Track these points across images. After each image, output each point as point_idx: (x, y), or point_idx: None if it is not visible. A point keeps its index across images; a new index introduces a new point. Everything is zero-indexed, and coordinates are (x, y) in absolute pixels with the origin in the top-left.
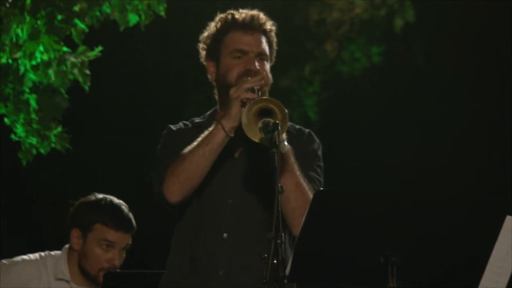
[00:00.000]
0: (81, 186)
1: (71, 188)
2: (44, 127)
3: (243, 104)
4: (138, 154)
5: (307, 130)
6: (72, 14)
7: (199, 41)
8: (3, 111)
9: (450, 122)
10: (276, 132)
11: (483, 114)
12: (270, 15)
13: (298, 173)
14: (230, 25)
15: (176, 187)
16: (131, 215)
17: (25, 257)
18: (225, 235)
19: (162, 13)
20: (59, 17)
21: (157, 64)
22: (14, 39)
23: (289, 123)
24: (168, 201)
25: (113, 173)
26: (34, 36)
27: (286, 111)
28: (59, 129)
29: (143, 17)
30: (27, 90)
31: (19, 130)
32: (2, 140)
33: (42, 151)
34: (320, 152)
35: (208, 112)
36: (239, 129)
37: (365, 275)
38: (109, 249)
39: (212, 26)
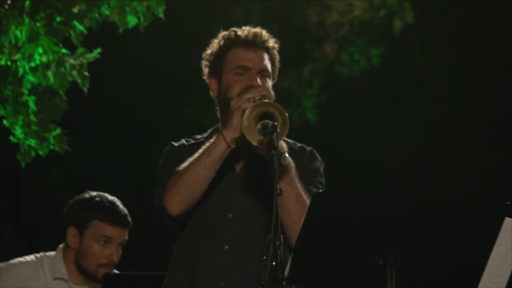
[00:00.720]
0: (80, 188)
1: (70, 189)
2: (43, 129)
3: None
4: (137, 156)
5: (309, 148)
6: (71, 16)
7: (202, 54)
8: (2, 113)
9: (449, 122)
10: (274, 134)
11: (483, 115)
12: (270, 16)
13: (299, 185)
14: (233, 42)
15: (177, 199)
16: (126, 211)
17: (21, 259)
18: (226, 247)
19: (161, 15)
20: (58, 19)
21: (156, 66)
22: (13, 41)
23: (291, 141)
24: (169, 213)
25: (112, 175)
26: (33, 38)
27: (287, 115)
28: (58, 131)
29: (142, 19)
30: (26, 92)
31: (18, 132)
32: (1, 142)
33: (41, 153)
34: (322, 170)
35: (210, 130)
36: (240, 142)
37: (364, 277)
38: (107, 245)
39: (214, 43)
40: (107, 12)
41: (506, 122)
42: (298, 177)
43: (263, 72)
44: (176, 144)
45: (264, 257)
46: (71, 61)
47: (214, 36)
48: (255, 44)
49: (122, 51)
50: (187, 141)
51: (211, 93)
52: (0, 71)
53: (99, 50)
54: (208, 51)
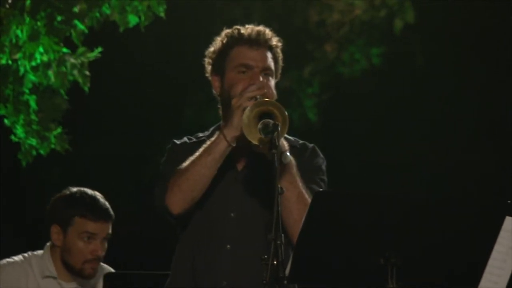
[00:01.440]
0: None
1: None
2: (44, 128)
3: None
4: (138, 155)
5: (311, 145)
6: (72, 15)
7: (203, 54)
8: (3, 112)
9: (450, 122)
10: (275, 133)
11: (484, 114)
12: (270, 16)
13: (300, 184)
14: (236, 40)
15: (178, 197)
16: (107, 204)
17: (9, 259)
18: (228, 246)
19: (162, 14)
20: (59, 18)
21: (157, 65)
22: (14, 40)
23: (292, 138)
24: (170, 212)
25: (112, 174)
26: (34, 37)
27: (287, 114)
28: (59, 130)
29: (142, 18)
30: (27, 91)
31: (19, 131)
32: (2, 141)
33: (41, 152)
34: (324, 167)
35: (212, 128)
36: (241, 141)
37: (364, 276)
38: (90, 240)
39: (217, 41)
40: (108, 12)
41: (507, 122)
42: (300, 175)
43: (266, 71)
44: (178, 142)
45: (265, 256)
46: (72, 60)
47: (215, 35)
48: (258, 42)
49: (123, 50)
50: (189, 139)
51: (214, 91)
52: (1, 70)
53: (100, 49)
54: (211, 49)
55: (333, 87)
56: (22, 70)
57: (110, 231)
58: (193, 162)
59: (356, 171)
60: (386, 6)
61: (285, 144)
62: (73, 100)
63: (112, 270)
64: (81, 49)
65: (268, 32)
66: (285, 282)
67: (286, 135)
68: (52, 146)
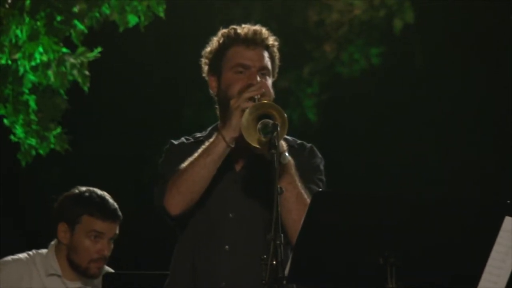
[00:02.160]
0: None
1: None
2: (43, 128)
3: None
4: (138, 155)
5: (309, 145)
6: (72, 15)
7: (202, 54)
8: (2, 112)
9: (449, 122)
10: (275, 133)
11: (484, 114)
12: (269, 16)
13: (299, 184)
14: (232, 40)
15: (177, 199)
16: (116, 205)
17: (14, 256)
18: (226, 247)
19: (162, 14)
20: (59, 18)
21: (157, 65)
22: (13, 40)
23: (290, 138)
24: (169, 213)
25: (112, 174)
26: (33, 37)
27: (286, 116)
28: (59, 130)
29: (142, 18)
30: (27, 91)
31: (19, 131)
32: (1, 141)
33: (41, 152)
34: (322, 167)
35: (210, 128)
36: (240, 142)
37: (364, 276)
38: (97, 239)
39: (214, 41)
40: (107, 12)
41: (507, 122)
42: (298, 175)
43: (263, 70)
44: (176, 142)
45: (265, 256)
46: (72, 60)
47: (214, 35)
48: (255, 42)
49: (122, 50)
50: (187, 139)
51: (211, 91)
52: (1, 70)
53: (99, 49)
54: (208, 49)
55: (332, 87)
56: (21, 70)
57: (117, 231)
58: (191, 163)
59: (355, 171)
60: (385, 6)
61: (283, 144)
62: (72, 100)
63: (111, 270)
64: (80, 49)
65: (264, 31)
66: (284, 282)
67: (284, 136)
68: (52, 146)
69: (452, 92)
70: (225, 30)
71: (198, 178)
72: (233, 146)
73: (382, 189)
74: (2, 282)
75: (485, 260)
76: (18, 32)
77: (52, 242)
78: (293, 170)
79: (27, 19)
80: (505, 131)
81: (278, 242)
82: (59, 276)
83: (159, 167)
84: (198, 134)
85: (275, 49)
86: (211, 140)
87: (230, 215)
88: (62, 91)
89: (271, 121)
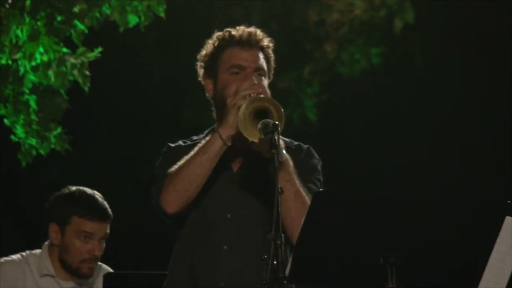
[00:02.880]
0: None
1: None
2: (43, 128)
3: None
4: (138, 155)
5: (305, 146)
6: (72, 15)
7: (195, 54)
8: (3, 112)
9: (450, 122)
10: (275, 133)
11: (484, 114)
12: (270, 16)
13: (297, 182)
14: (227, 42)
15: (173, 197)
16: (106, 204)
17: (7, 258)
18: (225, 247)
19: (162, 14)
20: (59, 18)
21: (157, 65)
22: (14, 40)
23: (287, 139)
24: (165, 211)
25: (112, 174)
26: (34, 37)
27: (283, 110)
28: (59, 130)
29: (142, 18)
30: (27, 91)
31: (19, 131)
32: (1, 141)
33: (41, 152)
34: (319, 167)
35: (207, 130)
36: (236, 140)
37: (364, 276)
38: (87, 240)
39: (209, 44)
40: (107, 12)
41: (507, 122)
42: (296, 173)
43: (258, 71)
44: (173, 145)
45: (265, 256)
46: (72, 60)
47: (211, 38)
48: (250, 43)
49: (122, 50)
50: (184, 142)
51: (207, 94)
52: (1, 70)
53: (100, 49)
54: (203, 52)
55: (332, 87)
56: (22, 70)
57: (108, 231)
58: (188, 161)
59: (355, 171)
60: (385, 6)
61: (281, 142)
62: (73, 100)
63: (111, 270)
64: (81, 49)
65: (259, 33)
66: (285, 282)
67: (281, 137)
68: (52, 146)
69: (452, 92)
70: (220, 33)
71: (194, 176)
72: (229, 144)
73: (382, 189)
74: None
75: (486, 260)
76: (18, 32)
77: (46, 242)
78: (291, 168)
79: (27, 19)
80: (505, 131)
81: (278, 242)
82: (52, 276)
83: (156, 169)
84: (195, 137)
85: (270, 51)
86: (207, 138)
87: (228, 215)
88: (62, 91)
89: (271, 121)
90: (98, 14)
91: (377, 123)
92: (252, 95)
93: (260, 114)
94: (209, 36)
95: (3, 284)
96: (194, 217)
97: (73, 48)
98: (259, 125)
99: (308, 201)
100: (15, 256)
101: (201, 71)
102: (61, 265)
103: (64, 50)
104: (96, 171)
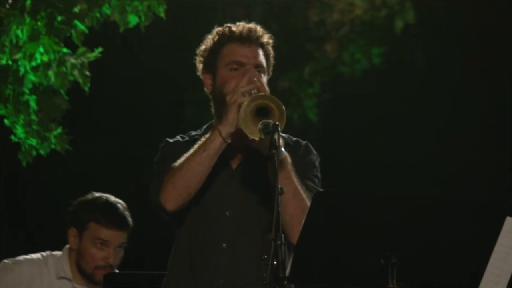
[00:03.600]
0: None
1: (70, 189)
2: (44, 128)
3: (240, 108)
4: (138, 155)
5: (304, 142)
6: (72, 16)
7: (196, 54)
8: (3, 112)
9: (451, 122)
10: (276, 133)
11: (485, 114)
12: (270, 16)
13: (295, 179)
14: (227, 38)
15: (173, 194)
16: (126, 213)
17: (27, 256)
18: (224, 245)
19: (162, 15)
20: (59, 18)
21: (157, 65)
22: (14, 40)
23: (286, 135)
24: (165, 209)
25: (112, 174)
26: (34, 37)
27: (284, 108)
28: (59, 130)
29: (143, 18)
30: (27, 91)
31: (19, 131)
32: (2, 141)
33: (42, 152)
34: (317, 163)
35: (205, 126)
36: (236, 138)
37: (365, 276)
38: (103, 247)
39: (209, 39)
40: (108, 12)
41: (507, 122)
42: (295, 171)
43: (258, 68)
44: (171, 140)
45: (265, 256)
46: (72, 60)
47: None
48: (250, 39)
49: (123, 50)
50: (182, 137)
51: (205, 89)
52: (1, 70)
53: (100, 49)
54: (202, 47)
55: (333, 87)
56: (22, 70)
57: (125, 240)
58: (187, 159)
59: (356, 171)
60: (386, 6)
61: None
62: (73, 100)
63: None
64: (81, 49)
65: (259, 29)
66: (285, 282)
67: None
68: (52, 146)
69: (452, 92)
70: (219, 28)
71: (194, 174)
72: (229, 141)
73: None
74: (12, 281)
75: (486, 260)
76: (18, 32)
77: (67, 245)
78: (289, 165)
79: (27, 19)
80: (505, 131)
81: (279, 242)
82: (69, 279)
83: (155, 165)
84: (193, 133)
85: (270, 47)
86: (207, 135)
87: (227, 213)
88: (62, 91)
89: (271, 121)
90: (98, 14)
91: (378, 123)
92: (252, 91)
93: (261, 111)
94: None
95: (19, 282)
96: (193, 214)
97: (73, 48)
98: (259, 125)
99: (306, 199)
100: (35, 256)
101: (200, 66)
102: (77, 269)
103: (64, 50)
104: (96, 171)
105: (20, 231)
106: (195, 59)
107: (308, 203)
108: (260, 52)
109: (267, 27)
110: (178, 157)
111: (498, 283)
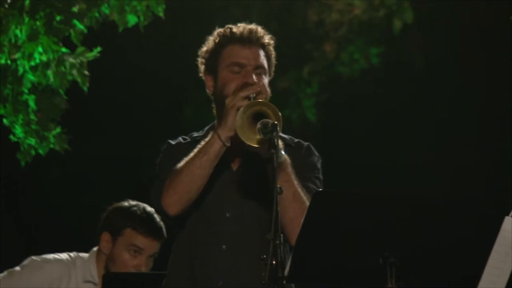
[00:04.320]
0: (79, 187)
1: (69, 188)
2: (43, 128)
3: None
4: (137, 155)
5: (306, 143)
6: (71, 15)
7: (197, 56)
8: (2, 112)
9: (450, 122)
10: (275, 133)
11: (484, 114)
12: (270, 16)
13: (295, 182)
14: (228, 39)
15: (174, 198)
16: (162, 224)
17: (55, 256)
18: (223, 246)
19: (161, 14)
20: (58, 18)
21: (157, 65)
22: (13, 40)
23: (287, 136)
24: (166, 213)
25: (111, 174)
26: (33, 37)
27: (280, 114)
28: (58, 130)
29: (141, 18)
30: (26, 91)
31: (18, 131)
32: (1, 141)
33: (41, 152)
34: (319, 165)
35: (207, 127)
36: (236, 141)
37: (364, 276)
38: (136, 255)
39: (210, 41)
40: (107, 11)
41: (507, 122)
42: (295, 173)
43: (258, 69)
44: (173, 142)
45: (264, 256)
46: (71, 60)
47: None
48: (250, 40)
49: (122, 50)
50: (184, 139)
51: (207, 91)
52: (0, 70)
53: (99, 49)
54: (204, 48)
55: (332, 87)
56: (21, 70)
57: (157, 250)
58: (187, 163)
59: (355, 171)
60: (385, 6)
61: (280, 142)
62: (72, 100)
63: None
64: (80, 49)
65: (260, 30)
66: (284, 282)
67: (281, 134)
68: (51, 146)
69: (451, 92)
70: (220, 30)
71: (194, 178)
72: (228, 145)
73: (381, 189)
74: (43, 280)
75: (485, 260)
76: (17, 32)
77: (94, 249)
78: (289, 168)
79: (26, 19)
80: (505, 131)
81: (278, 241)
82: (95, 284)
83: (157, 167)
84: (195, 134)
85: (271, 48)
86: (207, 139)
87: (227, 214)
88: (61, 91)
89: (270, 121)
90: (97, 14)
91: (377, 123)
92: (251, 96)
93: (258, 118)
94: (209, 36)
95: (49, 282)
96: (193, 216)
97: (72, 48)
98: (258, 125)
99: (306, 202)
100: (63, 256)
101: (201, 67)
102: None
103: (63, 50)
104: (95, 171)
105: (18, 231)
106: (196, 60)
107: None
108: (261, 53)
109: (266, 27)
110: (180, 159)
111: (497, 283)
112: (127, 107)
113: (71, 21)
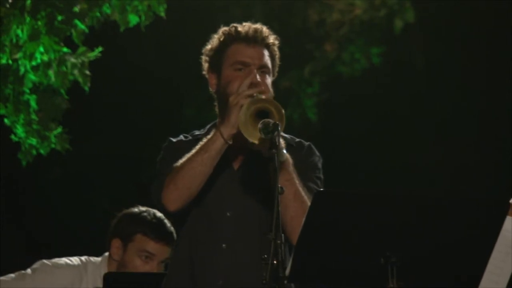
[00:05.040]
0: (80, 187)
1: (70, 188)
2: (44, 128)
3: None
4: (138, 155)
5: (307, 143)
6: (72, 15)
7: (201, 54)
8: (3, 111)
9: (450, 122)
10: (276, 133)
11: (484, 114)
12: (270, 16)
13: (296, 181)
14: (233, 38)
15: (174, 195)
16: (172, 229)
17: (67, 260)
18: (224, 245)
19: (162, 14)
20: (59, 18)
21: (157, 65)
22: (14, 40)
23: (289, 136)
24: (167, 209)
25: (112, 174)
26: (34, 36)
27: (283, 112)
28: (59, 129)
29: (143, 17)
30: (27, 90)
31: (19, 130)
32: (2, 140)
33: (42, 151)
34: (320, 165)
35: (208, 125)
36: (238, 139)
37: (365, 276)
38: (147, 260)
39: (215, 39)
40: (108, 11)
41: (507, 122)
42: (296, 173)
43: (262, 68)
44: (174, 140)
45: (265, 256)
46: (72, 60)
47: (215, 34)
48: (255, 40)
49: (123, 50)
50: (185, 137)
51: (210, 89)
52: (1, 70)
53: (100, 49)
54: (208, 46)
55: (333, 86)
56: (22, 69)
57: (168, 256)
58: (189, 159)
59: (355, 171)
60: (386, 6)
61: (281, 141)
62: (73, 100)
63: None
64: (81, 49)
65: (265, 30)
66: (285, 282)
67: (282, 133)
68: (52, 145)
69: (451, 91)
70: (225, 28)
71: (195, 175)
72: (231, 142)
73: (382, 189)
74: (56, 284)
75: (486, 260)
76: (19, 31)
77: (106, 254)
78: (290, 167)
79: (28, 19)
80: (505, 131)
81: (279, 241)
82: None
83: (157, 164)
84: (197, 132)
85: (276, 48)
86: (209, 136)
87: (228, 213)
88: (62, 91)
89: (271, 121)
90: (98, 14)
91: (377, 122)
92: (254, 94)
93: (261, 115)
94: (210, 36)
95: (60, 285)
96: (194, 214)
97: (73, 47)
98: (260, 125)
99: (307, 201)
100: (75, 261)
101: (205, 65)
102: None
103: (65, 49)
104: (96, 171)
105: (19, 231)
106: (198, 60)
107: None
108: (265, 53)
109: (266, 27)
110: (181, 156)
111: (497, 283)
112: (128, 107)
113: (73, 21)
